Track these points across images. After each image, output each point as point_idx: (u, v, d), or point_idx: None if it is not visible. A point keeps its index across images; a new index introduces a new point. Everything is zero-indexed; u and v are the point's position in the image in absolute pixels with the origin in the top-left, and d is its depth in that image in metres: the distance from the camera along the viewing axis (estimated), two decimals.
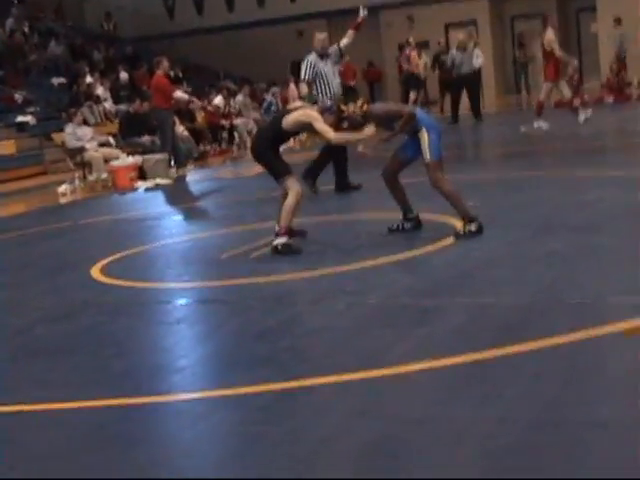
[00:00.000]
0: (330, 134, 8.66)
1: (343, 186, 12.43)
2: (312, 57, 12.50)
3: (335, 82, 12.51)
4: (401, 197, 9.05)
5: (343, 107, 8.77)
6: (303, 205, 9.07)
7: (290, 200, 8.71)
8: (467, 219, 8.55)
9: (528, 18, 32.06)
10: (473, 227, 8.50)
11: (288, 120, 8.79)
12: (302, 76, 12.53)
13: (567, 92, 18.70)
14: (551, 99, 25.21)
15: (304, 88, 12.55)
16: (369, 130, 8.65)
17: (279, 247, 8.67)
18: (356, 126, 8.71)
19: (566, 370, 4.94)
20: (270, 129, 9.08)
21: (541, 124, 18.26)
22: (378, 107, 8.97)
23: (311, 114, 8.74)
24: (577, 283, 6.63)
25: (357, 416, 4.61)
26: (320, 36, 12.68)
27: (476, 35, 29.64)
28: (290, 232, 8.79)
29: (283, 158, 8.98)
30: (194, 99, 18.80)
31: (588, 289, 6.43)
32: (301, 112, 8.82)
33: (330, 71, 12.49)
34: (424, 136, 8.58)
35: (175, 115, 19.26)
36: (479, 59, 26.60)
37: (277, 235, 8.72)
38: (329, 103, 9.16)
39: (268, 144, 8.85)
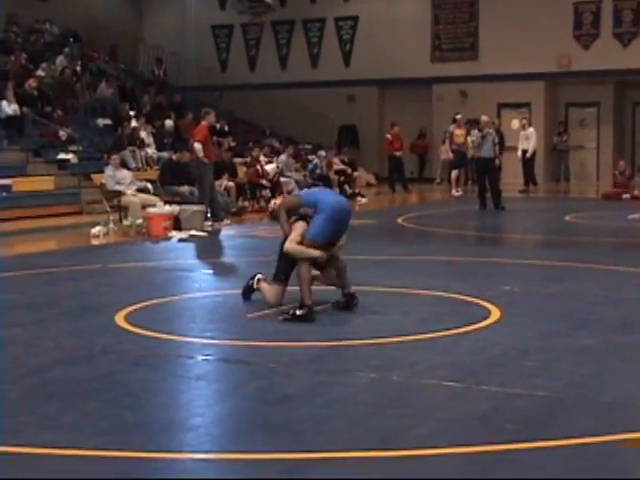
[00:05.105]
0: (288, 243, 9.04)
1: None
2: None
3: None
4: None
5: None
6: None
7: None
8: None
9: (583, 106, 31.67)
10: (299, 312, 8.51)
11: None
12: None
13: None
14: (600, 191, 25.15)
15: None
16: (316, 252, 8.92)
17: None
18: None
19: (589, 472, 4.76)
20: None
21: None
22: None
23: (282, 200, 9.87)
24: (608, 383, 6.45)
25: None
26: None
27: (529, 118, 29.63)
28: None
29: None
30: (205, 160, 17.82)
31: (619, 390, 6.25)
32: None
33: None
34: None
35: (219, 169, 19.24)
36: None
37: None
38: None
39: None
